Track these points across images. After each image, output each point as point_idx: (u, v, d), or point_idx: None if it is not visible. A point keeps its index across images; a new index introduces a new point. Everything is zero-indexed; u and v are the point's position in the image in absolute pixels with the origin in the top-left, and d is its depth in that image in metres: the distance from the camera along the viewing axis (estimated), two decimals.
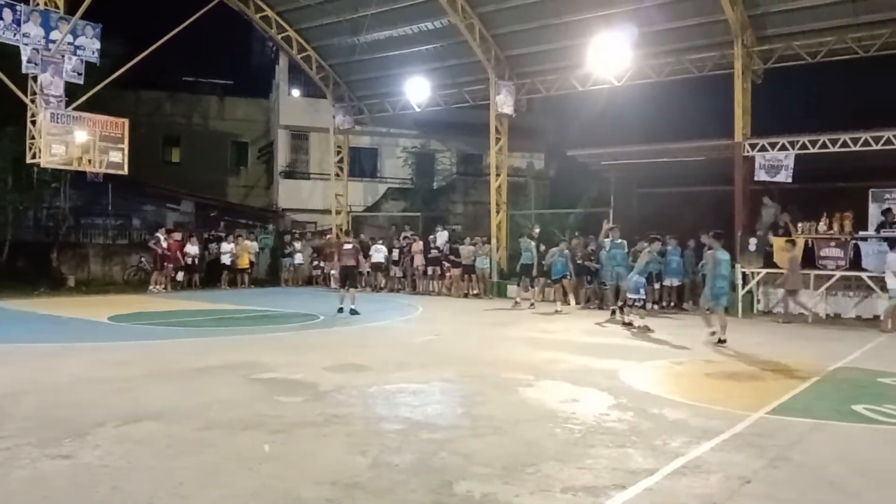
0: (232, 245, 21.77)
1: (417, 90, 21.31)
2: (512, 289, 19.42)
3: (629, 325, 13.16)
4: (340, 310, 14.79)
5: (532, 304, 17.00)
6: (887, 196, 16.16)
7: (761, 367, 9.17)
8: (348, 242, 16.13)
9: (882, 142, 14.83)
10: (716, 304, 11.66)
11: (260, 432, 5.72)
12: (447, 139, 29.30)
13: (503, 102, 20.31)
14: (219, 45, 28.35)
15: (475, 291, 19.84)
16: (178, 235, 20.97)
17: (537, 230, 19.88)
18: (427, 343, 11.31)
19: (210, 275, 21.81)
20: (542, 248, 18.77)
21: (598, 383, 7.92)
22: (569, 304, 16.93)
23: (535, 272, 17.22)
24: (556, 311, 15.82)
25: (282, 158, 28.65)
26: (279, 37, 22.44)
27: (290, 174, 28.59)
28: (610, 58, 17.53)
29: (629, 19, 17.01)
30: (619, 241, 14.64)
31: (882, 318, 13.46)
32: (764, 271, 15.41)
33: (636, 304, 13.07)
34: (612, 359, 9.57)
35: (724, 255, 11.80)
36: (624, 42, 17.02)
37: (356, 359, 9.38)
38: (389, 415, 6.44)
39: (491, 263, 19.98)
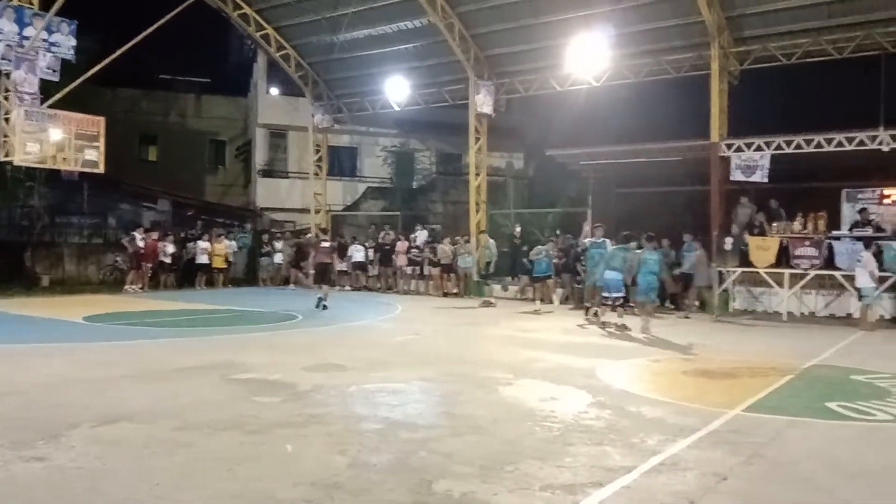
0: (208, 244, 21.59)
1: (397, 89, 21.27)
2: (496, 288, 19.49)
3: (605, 324, 13.28)
4: (324, 307, 15.29)
5: (491, 303, 17.08)
6: (860, 196, 16.46)
7: (737, 365, 9.28)
8: (325, 241, 16.77)
9: (855, 143, 15.07)
10: (646, 298, 12.89)
11: (238, 433, 5.68)
12: (427, 138, 29.28)
13: (482, 102, 20.34)
14: (196, 43, 28.11)
15: (454, 291, 19.86)
16: (155, 234, 20.76)
17: (518, 229, 19.97)
18: (407, 342, 11.31)
19: (186, 274, 21.61)
20: (525, 247, 18.91)
21: (576, 382, 7.97)
22: (551, 304, 17.00)
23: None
24: (536, 311, 15.89)
25: (260, 157, 28.45)
26: (258, 35, 22.29)
27: (268, 173, 28.41)
28: (588, 58, 17.61)
29: (607, 20, 17.11)
30: (601, 240, 14.71)
31: (858, 316, 13.68)
32: (739, 270, 15.59)
33: (614, 302, 13.18)
34: (590, 357, 9.63)
35: (651, 255, 12.94)
36: (602, 43, 17.11)
37: (335, 358, 9.35)
38: (369, 414, 6.43)
39: (474, 262, 20.00)
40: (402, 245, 21.28)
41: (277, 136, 28.79)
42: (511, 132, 26.06)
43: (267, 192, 28.14)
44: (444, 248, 20.09)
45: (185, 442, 5.44)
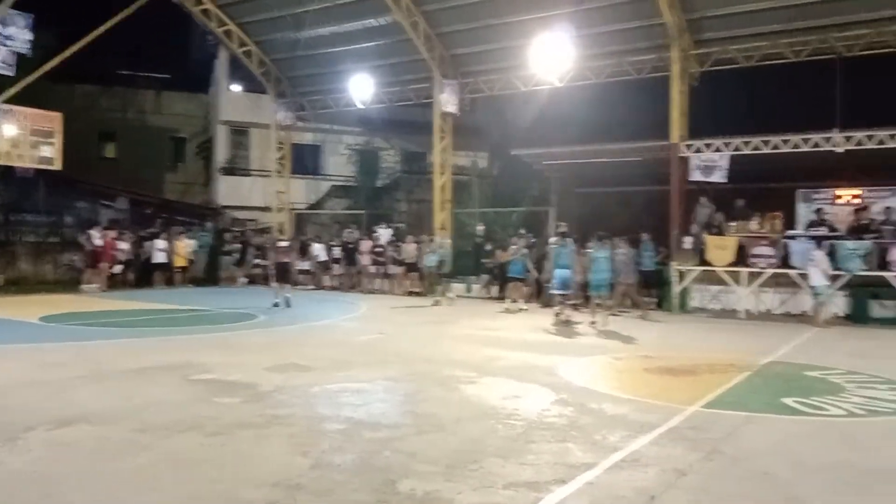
0: (166, 243, 21.23)
1: (361, 87, 21.15)
2: (456, 286, 19.57)
3: (567, 321, 13.50)
4: (276, 304, 15.49)
5: (442, 303, 17.15)
6: (815, 196, 16.89)
7: (696, 362, 9.44)
8: (283, 240, 17.11)
9: (810, 144, 15.45)
10: (597, 294, 13.79)
11: (198, 434, 5.61)
12: (391, 137, 29.19)
13: (447, 101, 20.36)
14: (156, 39, 27.58)
15: (418, 290, 19.84)
16: (113, 233, 20.37)
17: (481, 228, 20.06)
18: (370, 342, 11.27)
19: (144, 274, 21.22)
20: (488, 246, 19.02)
21: (539, 379, 8.03)
22: (519, 303, 17.07)
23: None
24: (507, 310, 15.95)
25: (221, 154, 28.08)
26: (220, 30, 21.98)
27: (229, 170, 28.04)
28: (551, 59, 17.74)
29: (570, 21, 17.22)
30: (565, 240, 14.89)
31: (811, 313, 14.04)
32: (698, 269, 15.87)
33: (563, 299, 13.61)
34: (552, 355, 9.72)
35: (600, 254, 13.90)
36: (565, 43, 17.24)
37: (297, 358, 9.27)
38: (332, 414, 6.39)
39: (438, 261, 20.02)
40: (366, 244, 21.19)
41: (239, 133, 28.44)
42: (476, 131, 26.12)
43: (228, 190, 27.79)
44: (409, 247, 20.06)
45: (144, 444, 5.35)
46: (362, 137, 28.75)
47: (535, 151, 19.53)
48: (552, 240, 15.43)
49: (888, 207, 15.62)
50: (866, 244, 14.36)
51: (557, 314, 13.94)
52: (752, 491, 4.56)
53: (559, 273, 13.85)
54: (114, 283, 20.15)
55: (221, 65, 27.65)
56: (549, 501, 4.25)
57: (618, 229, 16.84)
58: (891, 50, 15.69)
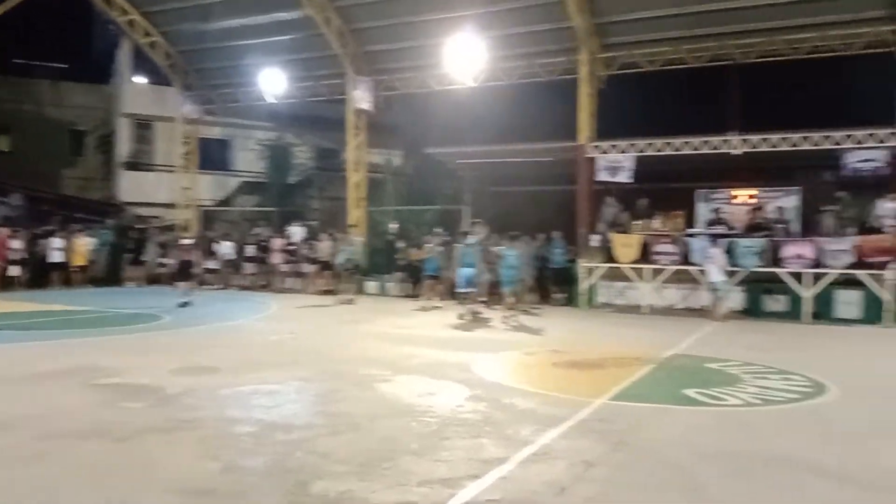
0: (63, 241, 20.17)
1: (272, 82, 20.76)
2: (371, 285, 19.49)
3: (475, 317, 13.84)
4: (183, 304, 15.17)
5: (347, 301, 17.12)
6: (713, 196, 17.73)
7: (603, 356, 9.75)
8: (187, 238, 16.90)
9: (709, 146, 16.21)
10: (508, 288, 14.52)
11: (102, 441, 5.38)
12: (303, 133, 28.75)
13: (361, 98, 20.22)
14: (55, 26, 26.21)
15: (332, 288, 19.63)
16: (6, 231, 19.19)
17: (394, 226, 20.05)
18: (282, 342, 11.07)
19: (41, 274, 20.09)
20: (401, 243, 19.02)
21: (453, 376, 8.11)
22: (433, 301, 17.16)
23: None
24: (422, 308, 15.98)
25: (123, 148, 26.91)
26: (122, 20, 21.07)
27: (132, 165, 26.94)
28: (465, 59, 17.93)
29: (483, 21, 17.48)
30: (474, 239, 15.13)
31: (710, 307, 14.76)
32: (605, 266, 16.40)
33: (467, 296, 13.98)
34: (466, 351, 9.82)
35: (510, 251, 14.53)
36: (478, 44, 17.46)
37: (206, 360, 9.01)
38: (242, 417, 6.26)
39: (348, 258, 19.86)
40: (277, 242, 20.80)
41: (143, 126, 27.38)
42: (391, 129, 26.04)
43: (131, 186, 26.69)
44: (323, 244, 19.81)
45: (46, 452, 5.09)
46: (273, 133, 28.19)
47: (450, 150, 19.68)
48: (470, 238, 15.64)
49: (780, 207, 16.60)
50: (761, 242, 15.21)
51: (462, 315, 14.14)
52: (656, 480, 4.76)
53: (463, 271, 14.15)
54: (7, 283, 18.99)
55: (124, 55, 26.53)
56: (462, 497, 4.31)
57: (529, 227, 17.22)
58: (783, 58, 16.66)
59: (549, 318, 14.38)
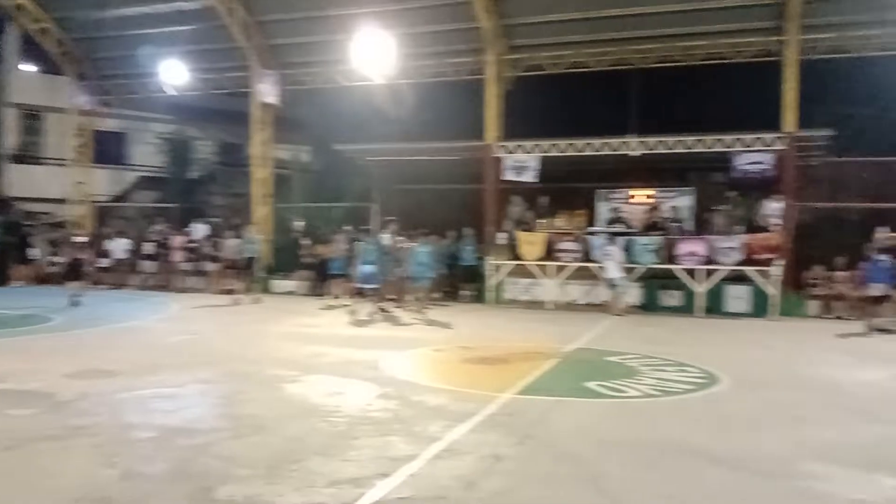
0: None
1: (173, 73, 19.98)
2: (277, 284, 19.10)
3: (377, 314, 13.92)
4: (76, 304, 14.62)
5: (256, 300, 16.81)
6: (613, 196, 18.37)
7: (510, 352, 9.94)
8: (79, 235, 16.41)
9: (609, 148, 16.78)
10: (417, 284, 14.89)
11: None
12: (206, 127, 27.82)
13: (266, 92, 19.78)
14: None
15: (236, 287, 19.09)
16: None
17: (300, 224, 19.73)
18: (183, 343, 10.69)
19: None
20: (307, 241, 18.73)
21: (362, 374, 8.07)
22: (342, 299, 16.98)
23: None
24: (329, 306, 15.79)
25: (10, 140, 25.26)
26: (9, 4, 19.75)
27: (20, 158, 25.31)
28: (373, 55, 17.83)
29: (392, 19, 17.42)
30: (381, 237, 15.18)
31: (609, 303, 15.29)
32: (511, 263, 16.72)
33: (370, 293, 14.04)
34: (375, 349, 9.79)
35: (422, 248, 14.90)
36: (387, 41, 17.40)
37: (102, 363, 8.58)
38: (141, 422, 6.01)
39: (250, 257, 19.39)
40: (178, 240, 20.05)
41: (32, 117, 25.79)
42: (298, 124, 25.58)
43: (19, 180, 25.07)
44: (228, 242, 19.23)
45: None
46: (174, 126, 27.14)
47: (359, 147, 19.54)
48: (384, 235, 15.65)
49: (675, 207, 17.39)
50: (657, 240, 15.91)
51: (366, 312, 14.15)
52: (561, 470, 4.90)
53: (364, 268, 14.21)
54: None
55: (11, 42, 24.87)
56: (371, 496, 4.30)
57: (437, 225, 17.35)
58: (679, 64, 17.43)
59: (457, 315, 14.51)
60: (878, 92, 18.43)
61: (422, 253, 14.91)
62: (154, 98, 22.43)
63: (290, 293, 18.70)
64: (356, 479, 4.60)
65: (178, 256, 19.87)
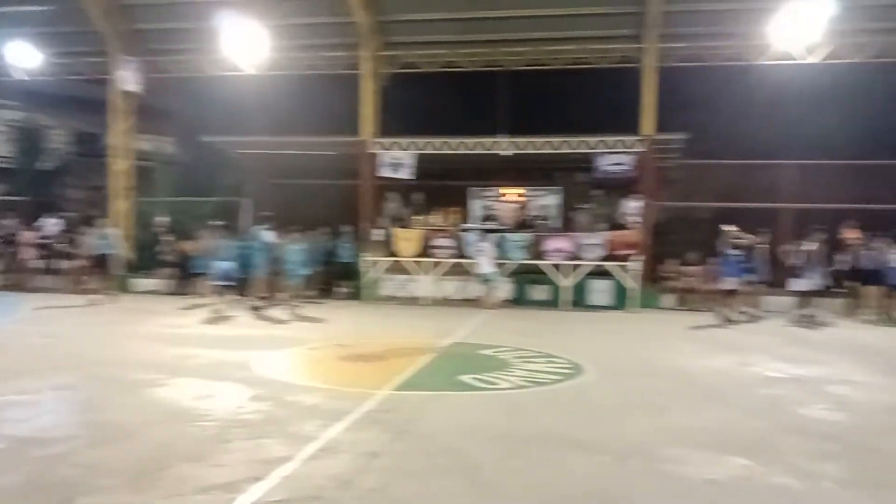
0: None
1: (21, 56, 18.48)
2: (139, 282, 18.19)
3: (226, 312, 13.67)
4: None
5: (116, 299, 16.05)
6: (485, 194, 18.85)
7: (386, 348, 9.99)
8: None
9: (482, 147, 17.18)
10: (291, 280, 14.69)
11: None
12: (60, 114, 25.93)
13: (127, 79, 18.70)
14: None
15: (94, 286, 17.97)
16: None
17: (165, 219, 18.86)
18: (37, 346, 9.94)
19: None
20: (172, 237, 17.95)
21: (233, 376, 7.85)
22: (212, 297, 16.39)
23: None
24: (197, 306, 15.17)
25: None
26: None
27: None
28: (244, 45, 17.29)
29: (265, 8, 16.96)
30: (261, 233, 14.90)
31: (482, 298, 15.69)
32: (388, 259, 16.78)
33: (225, 290, 13.80)
34: (247, 350, 9.54)
35: (296, 245, 14.78)
36: (259, 31, 16.93)
37: None
38: None
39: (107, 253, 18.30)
40: (27, 235, 18.58)
41: None
42: (164, 114, 24.34)
43: None
44: (87, 238, 18.03)
45: None
46: (24, 113, 25.11)
47: (229, 139, 18.89)
48: (262, 231, 15.26)
49: (543, 205, 18.10)
50: (527, 237, 16.49)
51: (221, 314, 13.82)
52: (437, 464, 5.00)
53: (222, 265, 13.91)
54: None
55: None
56: (243, 501, 4.21)
57: (313, 221, 17.11)
58: (547, 67, 18.09)
59: (333, 312, 14.40)
60: (729, 99, 19.93)
61: (295, 250, 14.69)
62: (1, 82, 20.65)
63: (152, 292, 17.85)
64: (227, 483, 4.49)
65: (28, 254, 18.43)
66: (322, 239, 17.23)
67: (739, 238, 13.87)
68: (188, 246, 16.97)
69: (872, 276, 14.59)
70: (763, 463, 5.03)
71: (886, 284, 14.40)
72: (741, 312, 14.05)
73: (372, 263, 16.79)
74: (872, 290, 14.66)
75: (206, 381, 7.60)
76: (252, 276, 14.85)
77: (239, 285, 14.35)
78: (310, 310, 14.30)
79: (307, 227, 16.56)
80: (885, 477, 4.79)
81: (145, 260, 18.58)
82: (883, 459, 5.19)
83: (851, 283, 14.92)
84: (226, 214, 18.28)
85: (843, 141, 18.03)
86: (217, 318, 12.88)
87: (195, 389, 7.23)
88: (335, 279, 17.33)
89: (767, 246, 14.98)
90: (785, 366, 9.06)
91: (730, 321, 13.38)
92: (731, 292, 13.81)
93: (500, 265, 15.93)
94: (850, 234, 15.25)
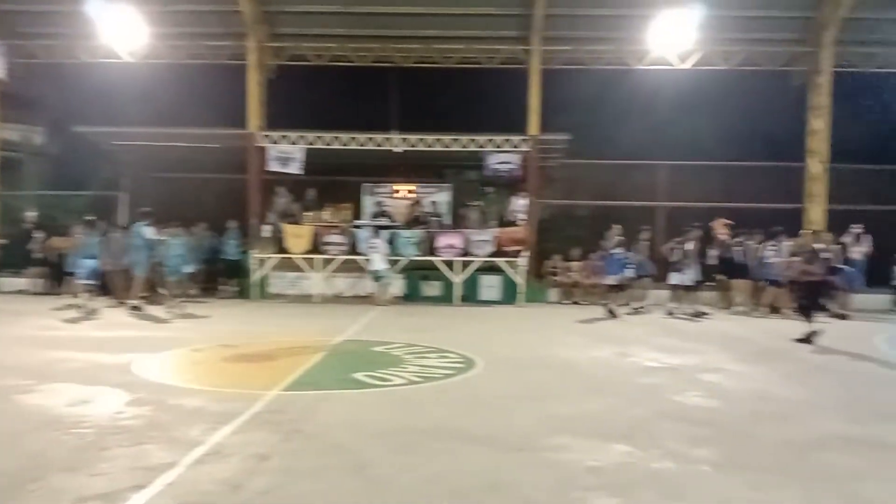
0: None
1: None
2: (7, 282, 17.01)
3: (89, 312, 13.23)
4: None
5: None
6: (377, 190, 18.80)
7: (275, 347, 9.79)
8: None
9: (373, 143, 17.13)
10: (173, 278, 14.34)
11: None
12: None
13: None
14: None
15: None
16: None
17: (33, 214, 17.69)
18: None
19: None
20: (39, 233, 16.87)
21: (111, 380, 7.45)
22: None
23: None
24: (70, 306, 14.30)
25: None
26: None
27: None
28: (119, 31, 16.44)
29: None
30: (143, 228, 14.19)
31: (375, 294, 15.66)
32: (277, 256, 16.43)
33: (87, 288, 13.53)
34: (126, 352, 9.09)
35: (175, 242, 14.52)
36: (136, 17, 16.14)
37: None
38: None
39: None
40: None
41: None
42: (32, 102, 22.67)
43: None
44: None
45: None
46: None
47: (104, 130, 17.87)
48: (142, 227, 14.53)
49: (435, 202, 18.25)
50: (419, 233, 16.59)
51: (82, 308, 13.28)
52: (328, 463, 4.95)
53: (86, 262, 13.36)
54: None
55: None
56: None
57: (198, 217, 16.53)
58: (437, 65, 18.25)
59: (218, 312, 13.97)
60: (609, 102, 20.80)
61: (176, 246, 14.13)
62: None
63: (20, 292, 16.70)
64: (107, 493, 4.26)
65: None
66: (206, 235, 16.67)
67: (620, 238, 14.58)
68: (60, 243, 15.98)
69: (739, 270, 15.68)
70: (643, 449, 5.29)
71: (752, 278, 15.49)
72: (622, 306, 14.75)
73: (260, 260, 16.38)
74: (740, 284, 15.75)
75: (82, 386, 7.18)
76: (131, 274, 14.14)
77: (108, 284, 13.71)
78: (193, 309, 13.82)
79: (190, 223, 15.97)
80: (756, 460, 5.14)
81: (13, 258, 17.32)
82: (753, 443, 5.58)
83: (721, 277, 15.96)
84: (102, 209, 17.34)
85: (713, 143, 19.23)
86: (83, 318, 12.21)
87: (70, 395, 6.81)
88: (221, 277, 16.80)
89: (648, 242, 15.83)
90: (662, 356, 9.58)
91: (612, 314, 13.99)
92: (613, 287, 14.46)
93: (392, 262, 15.95)
94: (720, 230, 16.32)
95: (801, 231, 15.50)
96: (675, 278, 14.73)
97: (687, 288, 14.74)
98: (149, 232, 14.32)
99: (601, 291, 14.92)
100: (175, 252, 14.22)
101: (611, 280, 14.39)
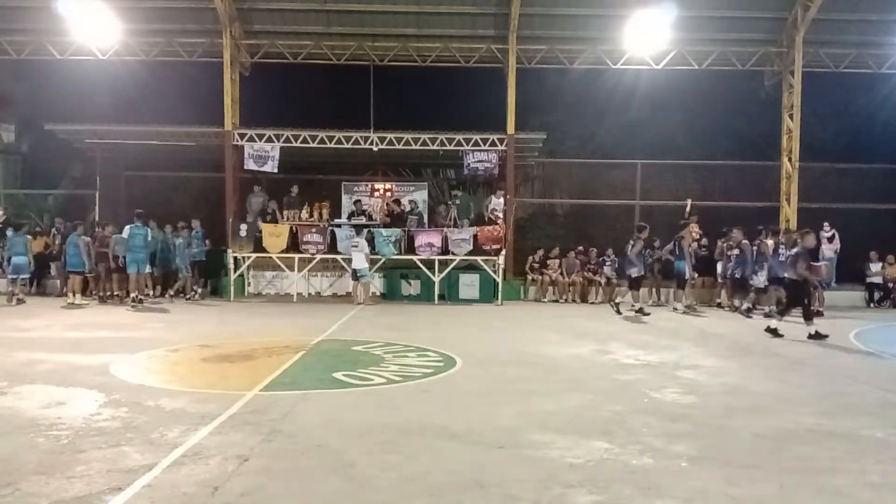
0: None
1: None
2: None
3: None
4: None
5: None
6: (356, 189, 18.74)
7: (254, 347, 9.72)
8: None
9: (351, 141, 17.07)
10: (147, 276, 14.85)
11: None
12: None
13: None
14: None
15: None
16: None
17: (2, 213, 17.39)
18: None
19: None
20: (9, 232, 16.55)
21: (87, 381, 7.35)
22: (76, 297, 15.27)
23: None
24: (71, 304, 14.16)
25: None
26: None
27: None
28: (90, 27, 16.19)
29: None
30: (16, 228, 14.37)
31: (353, 293, 15.60)
32: (254, 255, 16.30)
33: (20, 284, 14.02)
34: (102, 353, 8.98)
35: (149, 240, 14.67)
36: (108, 13, 15.91)
37: None
38: None
39: None
40: None
41: None
42: (1, 99, 22.28)
43: None
44: None
45: None
46: None
47: (76, 128, 17.63)
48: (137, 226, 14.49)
49: (413, 200, 18.22)
50: (397, 231, 16.54)
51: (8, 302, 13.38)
52: (309, 463, 4.92)
53: (16, 260, 13.82)
54: None
55: None
56: None
57: (174, 215, 16.36)
58: (414, 63, 18.21)
59: (195, 311, 13.83)
60: (586, 101, 20.93)
61: (149, 243, 14.05)
62: None
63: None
64: (84, 496, 4.20)
65: None
66: (182, 233, 16.49)
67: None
68: (39, 241, 15.77)
69: (709, 269, 15.94)
70: (622, 444, 5.33)
71: (715, 275, 15.81)
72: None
73: (237, 259, 16.24)
74: (711, 281, 15.96)
75: (56, 388, 7.07)
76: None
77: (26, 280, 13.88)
78: (169, 308, 13.66)
79: (165, 221, 15.80)
80: (731, 454, 5.20)
81: None
82: (730, 438, 5.64)
83: (695, 275, 16.14)
84: (73, 207, 17.12)
85: (685, 142, 19.44)
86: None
87: (43, 397, 6.71)
88: (197, 276, 16.63)
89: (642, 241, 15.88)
90: (640, 353, 9.66)
91: (642, 312, 13.91)
92: (633, 283, 14.43)
93: (372, 260, 15.89)
94: (693, 233, 16.47)
95: (784, 229, 15.64)
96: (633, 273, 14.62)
97: (633, 282, 14.52)
98: (148, 232, 14.29)
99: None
100: (149, 250, 14.18)
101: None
